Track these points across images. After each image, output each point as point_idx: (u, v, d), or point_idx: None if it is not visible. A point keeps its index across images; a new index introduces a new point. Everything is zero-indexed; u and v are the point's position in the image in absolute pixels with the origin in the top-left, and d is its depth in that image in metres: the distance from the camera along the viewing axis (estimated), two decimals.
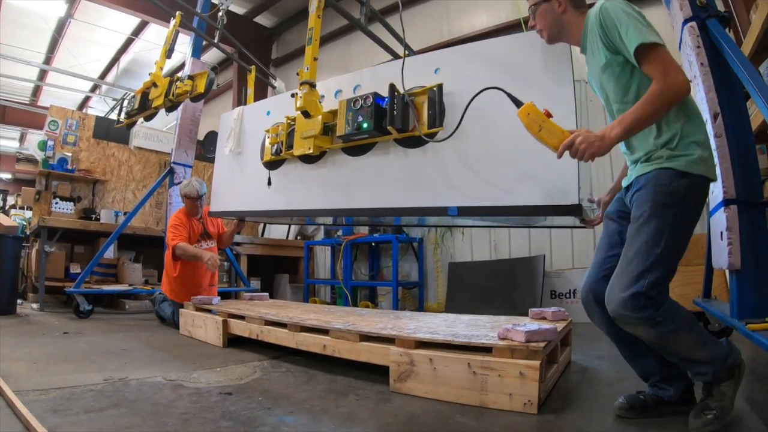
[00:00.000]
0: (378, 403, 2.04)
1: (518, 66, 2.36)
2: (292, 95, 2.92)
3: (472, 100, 2.15)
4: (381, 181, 2.79)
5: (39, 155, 6.32)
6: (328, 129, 2.92)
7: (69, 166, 6.23)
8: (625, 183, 1.80)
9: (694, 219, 1.60)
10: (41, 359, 2.66)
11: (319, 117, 2.87)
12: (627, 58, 1.59)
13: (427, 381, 2.09)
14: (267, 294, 4.44)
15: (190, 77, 4.23)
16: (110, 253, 5.63)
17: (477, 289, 5.17)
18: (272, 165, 3.38)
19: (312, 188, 3.14)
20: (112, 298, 5.73)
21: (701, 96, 2.41)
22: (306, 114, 2.85)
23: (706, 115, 2.38)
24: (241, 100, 7.40)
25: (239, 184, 3.72)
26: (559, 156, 1.65)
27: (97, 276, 5.72)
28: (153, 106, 4.38)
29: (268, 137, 3.33)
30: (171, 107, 4.42)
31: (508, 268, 5.11)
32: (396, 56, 4.44)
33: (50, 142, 6.22)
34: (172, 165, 5.21)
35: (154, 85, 4.33)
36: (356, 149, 2.89)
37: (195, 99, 4.41)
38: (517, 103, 1.76)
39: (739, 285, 2.25)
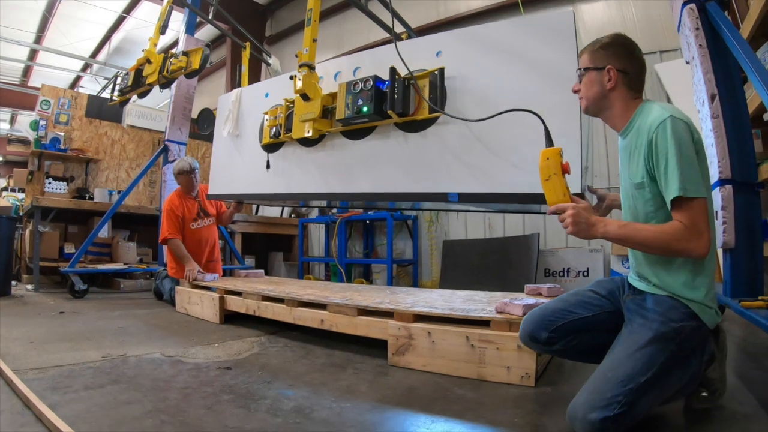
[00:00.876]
0: (376, 376, 2.03)
1: (521, 51, 2.31)
2: (291, 77, 2.84)
3: (502, 113, 1.99)
4: (381, 165, 2.74)
5: (31, 135, 6.20)
6: (327, 112, 2.85)
7: (62, 146, 6.12)
8: (631, 281, 1.65)
9: (689, 360, 1.47)
10: (38, 339, 2.62)
11: (319, 100, 2.79)
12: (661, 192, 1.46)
13: (425, 354, 2.09)
14: (262, 271, 4.40)
15: (185, 53, 4.12)
16: (104, 232, 5.58)
17: (471, 267, 5.17)
18: (271, 148, 3.31)
19: (311, 172, 3.08)
20: (106, 277, 5.68)
21: (699, 77, 2.40)
22: (305, 97, 2.78)
23: (702, 96, 2.37)
24: (235, 78, 7.28)
25: (237, 167, 3.65)
26: (548, 213, 1.57)
27: (92, 255, 5.67)
28: (147, 82, 4.27)
29: (267, 120, 3.26)
30: (165, 84, 4.31)
31: (503, 246, 5.11)
32: (393, 35, 4.36)
33: (42, 122, 6.09)
34: (166, 143, 5.11)
35: (148, 61, 4.22)
36: (356, 133, 2.83)
37: (190, 75, 4.31)
38: (549, 142, 1.62)
39: (733, 264, 2.26)
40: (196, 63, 4.00)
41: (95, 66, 11.81)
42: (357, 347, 2.48)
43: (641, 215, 1.55)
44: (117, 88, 4.66)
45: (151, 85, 4.32)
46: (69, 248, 5.61)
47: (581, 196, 2.00)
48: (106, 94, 9.45)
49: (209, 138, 4.13)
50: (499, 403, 1.70)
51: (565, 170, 1.54)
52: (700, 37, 2.36)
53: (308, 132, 2.87)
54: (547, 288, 2.56)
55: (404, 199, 2.76)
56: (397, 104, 2.48)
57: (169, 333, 2.90)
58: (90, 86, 12.67)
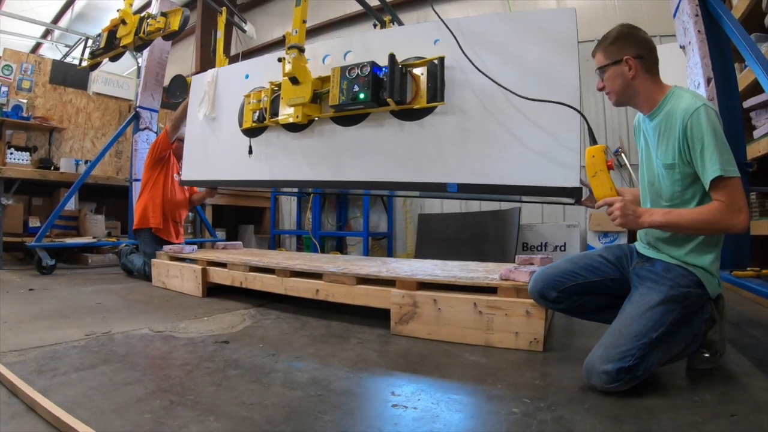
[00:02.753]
0: (383, 345, 1.92)
1: (521, 45, 2.18)
2: (279, 60, 2.61)
3: (548, 101, 2.01)
4: (374, 153, 2.56)
5: None
6: (317, 96, 2.64)
7: (24, 114, 5.56)
8: (641, 249, 1.70)
9: (692, 320, 1.53)
10: (11, 318, 2.32)
11: (309, 84, 2.58)
12: (698, 175, 1.49)
13: (430, 322, 1.99)
14: (240, 243, 4.18)
15: (163, 14, 3.75)
16: (71, 204, 5.14)
17: (447, 241, 5.07)
18: (252, 132, 3.05)
19: (297, 158, 2.86)
20: (72, 252, 5.26)
21: (695, 61, 2.44)
22: (294, 80, 2.56)
23: (699, 79, 2.42)
24: (207, 45, 6.82)
25: (214, 152, 3.36)
26: (597, 207, 1.63)
27: (58, 229, 5.23)
28: (121, 44, 3.87)
29: (249, 103, 2.99)
30: (141, 46, 3.92)
31: (479, 220, 5.02)
32: (370, 10, 4.10)
33: (4, 88, 5.49)
34: (137, 109, 4.66)
35: (123, 22, 3.81)
36: (347, 119, 2.64)
37: (168, 37, 3.91)
38: (593, 140, 1.69)
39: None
40: (175, 24, 3.63)
41: (56, 33, 10.84)
42: (353, 317, 2.35)
43: (665, 194, 1.59)
44: (88, 50, 4.22)
45: (126, 48, 3.92)
46: (34, 222, 5.15)
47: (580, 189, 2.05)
48: (70, 60, 8.70)
49: None
50: (515, 367, 1.65)
51: (609, 166, 1.59)
52: (699, 23, 2.40)
53: (297, 117, 2.64)
54: (539, 258, 2.48)
55: (399, 188, 2.61)
56: (395, 92, 2.31)
57: (152, 308, 2.67)
58: (50, 55, 11.65)
